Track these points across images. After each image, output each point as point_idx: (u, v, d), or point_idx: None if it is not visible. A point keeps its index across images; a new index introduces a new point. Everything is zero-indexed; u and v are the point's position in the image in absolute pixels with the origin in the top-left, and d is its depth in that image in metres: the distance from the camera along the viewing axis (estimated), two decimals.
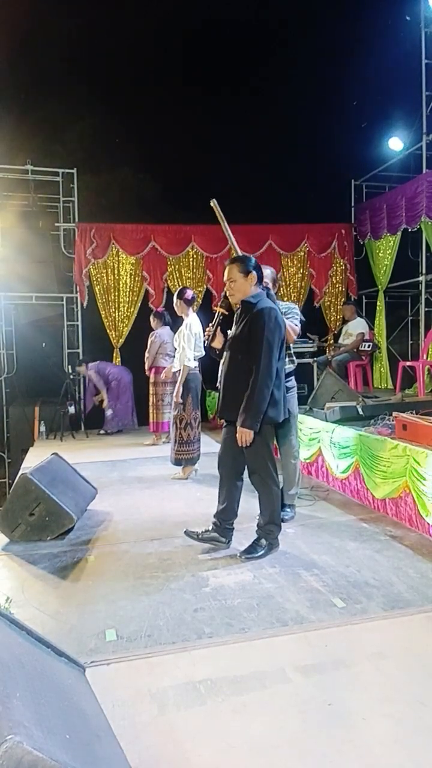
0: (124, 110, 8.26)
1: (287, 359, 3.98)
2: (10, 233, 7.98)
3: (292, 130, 8.42)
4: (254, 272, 3.26)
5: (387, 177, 8.97)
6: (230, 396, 3.27)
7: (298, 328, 3.87)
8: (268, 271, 3.91)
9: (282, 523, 3.88)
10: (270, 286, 3.75)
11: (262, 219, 8.64)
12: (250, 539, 3.42)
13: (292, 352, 4.06)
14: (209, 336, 3.42)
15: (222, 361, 3.39)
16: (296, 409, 4.08)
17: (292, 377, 4.05)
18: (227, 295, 3.35)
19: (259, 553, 3.32)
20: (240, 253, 3.67)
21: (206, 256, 8.66)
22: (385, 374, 8.62)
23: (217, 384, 3.46)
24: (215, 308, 3.43)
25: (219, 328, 3.41)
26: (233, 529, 3.50)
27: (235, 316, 3.36)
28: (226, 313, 3.40)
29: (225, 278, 3.31)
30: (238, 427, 3.16)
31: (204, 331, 3.57)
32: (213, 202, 3.79)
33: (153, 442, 6.97)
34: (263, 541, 3.37)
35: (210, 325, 3.44)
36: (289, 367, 4.00)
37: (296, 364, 4.09)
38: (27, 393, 8.66)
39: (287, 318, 3.83)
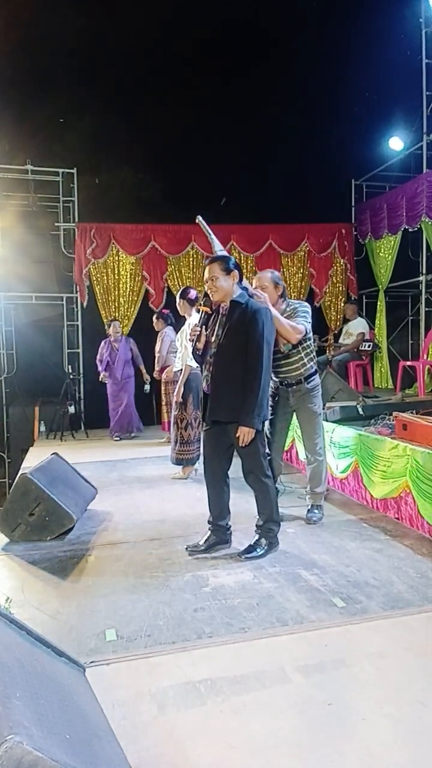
0: (124, 110, 8.26)
1: (308, 358, 3.93)
2: (10, 233, 7.99)
3: (293, 130, 8.42)
4: (236, 270, 3.25)
5: (387, 177, 8.98)
6: (224, 397, 3.24)
7: (301, 327, 3.76)
8: (268, 275, 3.87)
9: (311, 525, 3.90)
10: (270, 288, 3.74)
11: (262, 219, 8.65)
12: (250, 539, 3.42)
13: (313, 351, 3.96)
14: (195, 336, 3.37)
15: (207, 363, 3.34)
16: (319, 408, 4.04)
17: (316, 375, 4.00)
18: (209, 293, 3.30)
19: (260, 553, 3.32)
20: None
21: (206, 256, 8.63)
22: (386, 374, 8.63)
23: (204, 387, 3.41)
24: (200, 307, 3.39)
25: (203, 327, 3.37)
26: (230, 527, 3.50)
27: (220, 317, 3.31)
28: (210, 311, 3.38)
29: (206, 277, 3.27)
30: (239, 427, 3.16)
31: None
32: (198, 219, 3.78)
33: (168, 440, 6.86)
34: (263, 541, 3.37)
35: (195, 325, 3.39)
36: (311, 366, 3.94)
37: (314, 366, 3.99)
38: (27, 393, 8.67)
39: (295, 317, 3.80)
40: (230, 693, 2.06)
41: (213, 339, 3.32)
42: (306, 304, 4.01)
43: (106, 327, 7.84)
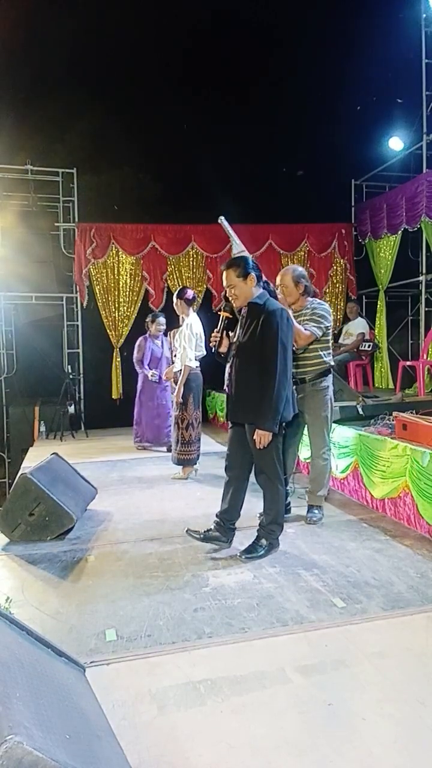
0: (124, 110, 8.27)
1: (319, 360, 3.92)
2: (10, 233, 7.99)
3: (293, 130, 8.42)
4: (253, 273, 3.22)
5: (387, 177, 8.98)
6: (241, 399, 3.25)
7: (308, 333, 3.74)
8: (289, 274, 3.84)
9: (311, 525, 3.90)
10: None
11: (262, 219, 8.65)
12: (250, 539, 3.41)
13: (328, 352, 3.93)
14: (216, 341, 3.38)
15: (229, 364, 3.36)
16: (326, 411, 4.01)
17: (326, 378, 3.98)
18: (230, 300, 3.32)
19: (260, 553, 3.31)
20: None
21: (206, 256, 8.67)
22: (386, 374, 8.62)
23: (225, 387, 3.44)
24: (221, 312, 3.39)
25: (225, 332, 3.37)
26: (235, 529, 3.48)
27: (240, 318, 3.32)
28: (230, 316, 3.38)
29: (224, 284, 3.28)
30: (256, 430, 3.15)
31: (210, 335, 3.52)
32: (221, 219, 3.69)
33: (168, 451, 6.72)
34: (264, 541, 3.36)
35: (215, 330, 3.40)
36: (321, 368, 3.92)
37: (325, 366, 3.97)
38: (27, 393, 8.67)
39: (308, 321, 3.78)
40: (230, 693, 2.06)
41: (234, 340, 3.33)
42: (325, 305, 3.98)
43: (147, 323, 6.79)
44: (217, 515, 3.47)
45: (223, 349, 3.41)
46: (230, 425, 3.44)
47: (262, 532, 3.39)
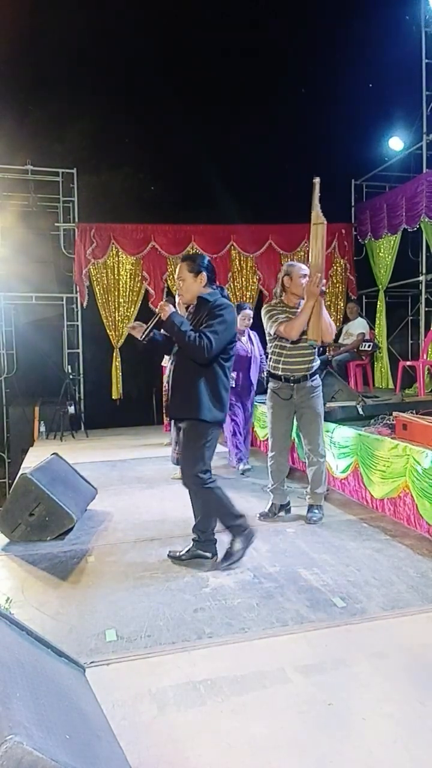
0: (124, 110, 8.28)
1: (315, 356, 3.90)
2: (10, 233, 7.99)
3: (293, 130, 8.43)
4: (205, 272, 3.14)
5: (387, 177, 8.99)
6: (179, 395, 3.13)
7: (333, 328, 3.83)
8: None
9: (311, 524, 3.87)
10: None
11: (262, 219, 8.66)
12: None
13: (315, 350, 3.93)
14: (141, 330, 3.16)
15: (171, 362, 3.27)
16: (322, 408, 4.01)
17: (317, 376, 3.97)
18: (178, 294, 3.22)
19: (238, 556, 3.16)
20: (320, 254, 3.55)
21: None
22: (386, 374, 8.63)
23: (164, 385, 3.36)
24: (160, 304, 3.15)
25: (153, 326, 3.16)
26: (216, 541, 3.27)
27: (187, 315, 3.24)
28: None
29: (175, 276, 3.18)
30: (160, 305, 3.05)
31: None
32: (317, 180, 3.50)
33: (169, 443, 6.64)
34: (237, 540, 3.17)
35: (150, 320, 3.18)
36: (317, 363, 3.92)
37: (319, 363, 4.00)
38: (27, 393, 8.68)
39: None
40: (230, 693, 2.06)
41: None
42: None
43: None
44: (192, 530, 3.27)
45: (137, 334, 3.17)
46: (173, 425, 3.32)
47: (232, 533, 3.18)
